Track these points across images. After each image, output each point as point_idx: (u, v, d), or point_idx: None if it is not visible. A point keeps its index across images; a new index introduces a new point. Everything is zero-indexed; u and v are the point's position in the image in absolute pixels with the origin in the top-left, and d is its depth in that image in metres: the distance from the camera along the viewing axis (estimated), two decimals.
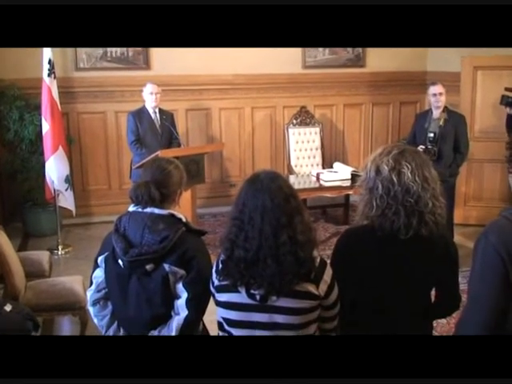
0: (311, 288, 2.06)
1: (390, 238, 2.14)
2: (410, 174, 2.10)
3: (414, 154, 2.19)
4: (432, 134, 5.35)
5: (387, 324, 2.23)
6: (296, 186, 6.24)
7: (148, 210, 2.38)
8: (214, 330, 2.32)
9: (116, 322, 2.50)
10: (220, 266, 2.12)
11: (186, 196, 5.21)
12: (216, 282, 2.14)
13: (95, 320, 2.55)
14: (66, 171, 6.01)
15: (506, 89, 5.46)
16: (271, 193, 2.01)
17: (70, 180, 6.07)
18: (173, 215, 2.41)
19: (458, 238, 5.40)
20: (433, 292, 2.34)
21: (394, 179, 2.11)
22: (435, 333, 2.59)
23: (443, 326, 4.16)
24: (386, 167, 2.13)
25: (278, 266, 1.99)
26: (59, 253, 6.05)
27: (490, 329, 1.91)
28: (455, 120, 5.41)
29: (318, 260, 2.11)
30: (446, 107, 5.45)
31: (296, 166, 7.15)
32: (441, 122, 5.38)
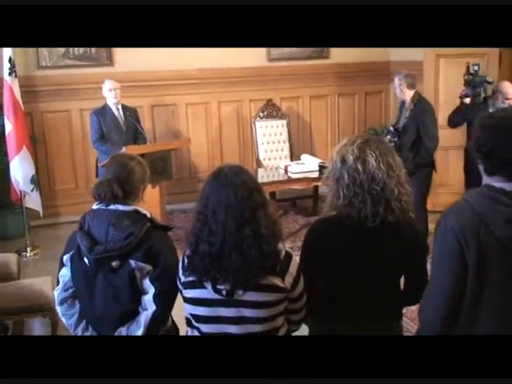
0: (277, 281, 2.07)
1: (358, 226, 2.17)
2: (374, 162, 2.13)
3: (378, 142, 2.22)
4: (392, 128, 5.40)
5: (358, 312, 2.26)
6: (265, 179, 6.27)
7: (112, 206, 2.37)
8: (184, 326, 2.31)
9: (84, 321, 2.48)
10: (185, 261, 2.12)
11: (154, 193, 5.19)
12: (182, 278, 2.14)
13: (63, 319, 2.53)
14: (31, 171, 5.92)
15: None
16: (235, 187, 2.01)
17: (35, 180, 5.98)
18: (137, 211, 2.40)
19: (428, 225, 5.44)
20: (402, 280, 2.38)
21: (359, 168, 2.14)
22: (405, 319, 2.63)
23: (413, 312, 4.20)
24: (350, 157, 2.16)
25: (242, 260, 1.99)
26: (28, 254, 5.96)
27: (449, 311, 1.96)
28: (418, 112, 5.37)
29: (283, 253, 2.12)
30: (417, 96, 5.44)
31: (264, 160, 7.16)
32: (407, 114, 5.42)
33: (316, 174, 6.18)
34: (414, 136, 5.33)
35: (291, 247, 5.11)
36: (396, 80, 5.47)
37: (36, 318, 4.23)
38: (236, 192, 2.01)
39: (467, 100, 5.33)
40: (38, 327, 4.43)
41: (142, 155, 4.50)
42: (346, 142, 2.24)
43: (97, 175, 5.87)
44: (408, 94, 5.43)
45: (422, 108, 5.41)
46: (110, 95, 5.81)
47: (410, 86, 5.40)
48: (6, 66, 5.71)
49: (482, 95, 5.25)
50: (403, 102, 5.57)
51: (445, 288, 1.95)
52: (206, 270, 2.04)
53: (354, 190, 2.15)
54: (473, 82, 5.30)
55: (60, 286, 2.49)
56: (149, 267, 2.32)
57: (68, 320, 2.50)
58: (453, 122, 5.47)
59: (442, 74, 6.58)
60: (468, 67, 5.53)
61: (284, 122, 7.35)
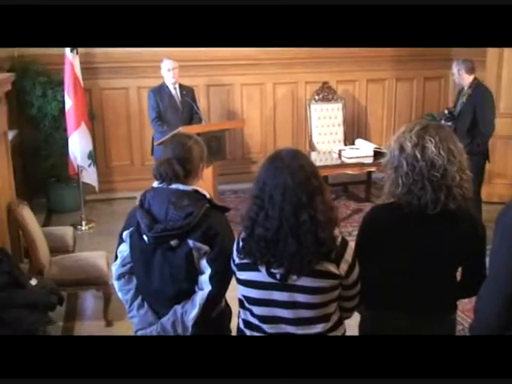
0: (332, 267, 2.06)
1: (418, 214, 2.14)
2: (434, 148, 2.08)
3: (438, 128, 2.16)
4: (446, 111, 5.36)
5: (412, 302, 2.23)
6: (317, 163, 6.23)
7: (173, 186, 2.39)
8: (236, 307, 2.34)
9: (140, 297, 2.52)
10: (241, 244, 2.12)
11: (207, 172, 5.21)
12: (237, 260, 2.15)
13: (119, 294, 2.58)
14: (88, 147, 6.06)
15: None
16: (292, 171, 2.00)
17: (92, 156, 6.13)
18: (197, 191, 2.41)
19: (482, 216, 5.33)
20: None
21: (418, 155, 2.09)
22: (458, 311, 2.59)
23: (465, 304, 4.13)
24: (409, 144, 2.12)
25: (298, 246, 1.98)
26: (83, 228, 6.13)
27: (506, 309, 1.89)
28: (476, 97, 5.29)
29: (340, 239, 2.11)
30: (475, 82, 5.36)
31: (318, 143, 7.12)
32: (464, 99, 5.32)
33: (370, 160, 6.12)
34: (470, 121, 5.27)
35: (341, 232, 5.08)
36: (454, 66, 5.42)
37: (89, 290, 4.36)
38: (293, 176, 1.99)
39: None
40: (91, 300, 4.58)
41: (198, 135, 4.55)
42: (405, 129, 2.19)
43: (152, 153, 5.96)
44: (467, 79, 5.37)
45: (479, 93, 5.34)
46: (169, 75, 5.87)
47: (469, 71, 5.34)
48: None
49: None
50: (462, 88, 5.49)
51: (503, 284, 1.87)
52: (260, 253, 2.04)
53: (414, 178, 2.11)
54: None
55: (118, 261, 2.53)
56: (206, 248, 2.33)
57: (124, 295, 2.54)
58: None
59: (505, 62, 6.37)
60: None
61: (339, 105, 7.27)
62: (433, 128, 2.15)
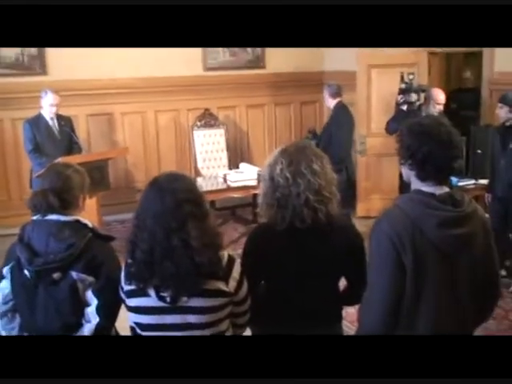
0: (221, 285, 2.09)
1: (285, 230, 2.23)
2: (279, 170, 2.22)
3: (296, 150, 2.28)
4: (308, 131, 5.78)
5: (298, 315, 2.32)
6: (204, 188, 6.16)
7: (53, 217, 2.32)
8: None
9: (25, 334, 2.40)
10: (126, 269, 2.11)
11: (91, 203, 5.08)
12: (125, 287, 2.13)
13: (3, 333, 2.44)
14: None
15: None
16: (163, 196, 2.01)
17: None
18: (78, 221, 2.36)
19: (361, 230, 5.59)
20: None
21: (267, 177, 2.25)
22: (344, 321, 2.70)
23: (353, 315, 4.28)
24: (266, 165, 2.28)
25: (175, 268, 1.99)
26: None
27: (389, 316, 2.00)
28: (335, 119, 5.71)
29: (226, 257, 2.14)
30: (339, 105, 5.70)
31: (203, 168, 7.18)
32: (327, 120, 5.71)
33: (255, 182, 6.22)
34: (326, 141, 5.62)
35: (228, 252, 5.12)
36: (323, 90, 5.82)
37: None
38: (163, 201, 2.00)
39: (404, 107, 5.61)
40: None
41: (78, 165, 4.44)
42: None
43: (31, 186, 5.71)
44: (331, 102, 5.78)
45: (337, 116, 5.75)
46: (50, 110, 5.68)
47: (332, 95, 5.75)
48: None
49: (418, 102, 5.53)
50: None
51: (384, 293, 1.99)
52: (143, 277, 2.04)
53: (266, 197, 2.26)
54: (411, 89, 5.60)
55: None
56: (91, 278, 2.28)
57: (8, 334, 2.42)
58: (390, 128, 5.72)
59: (373, 84, 6.77)
60: (402, 76, 5.81)
61: (222, 130, 7.40)
62: (290, 150, 2.28)
